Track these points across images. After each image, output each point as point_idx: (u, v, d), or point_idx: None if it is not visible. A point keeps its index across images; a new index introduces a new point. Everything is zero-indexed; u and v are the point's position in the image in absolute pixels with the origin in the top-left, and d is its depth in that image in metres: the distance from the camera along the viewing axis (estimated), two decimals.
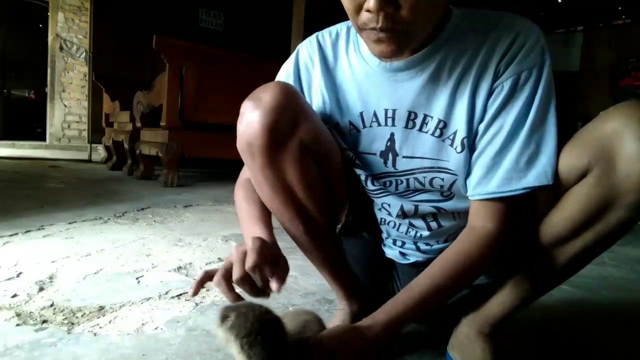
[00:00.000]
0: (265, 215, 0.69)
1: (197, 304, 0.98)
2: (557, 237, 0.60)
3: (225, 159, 3.85)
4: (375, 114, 0.66)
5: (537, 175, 0.57)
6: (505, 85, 0.58)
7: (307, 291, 1.11)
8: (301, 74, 0.73)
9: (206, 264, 1.29)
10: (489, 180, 0.59)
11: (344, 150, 0.70)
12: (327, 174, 0.69)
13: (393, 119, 0.64)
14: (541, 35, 0.59)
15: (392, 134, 0.65)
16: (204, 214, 2.08)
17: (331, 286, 0.86)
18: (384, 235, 0.82)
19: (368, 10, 0.52)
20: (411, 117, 0.63)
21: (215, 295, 1.04)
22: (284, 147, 0.61)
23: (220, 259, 1.35)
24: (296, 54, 0.75)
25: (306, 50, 0.73)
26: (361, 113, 0.67)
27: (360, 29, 0.56)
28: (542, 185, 0.57)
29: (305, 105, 0.64)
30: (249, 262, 0.55)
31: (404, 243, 0.79)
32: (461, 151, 0.61)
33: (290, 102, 0.60)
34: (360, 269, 0.84)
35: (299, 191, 0.66)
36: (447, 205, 0.69)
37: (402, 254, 0.80)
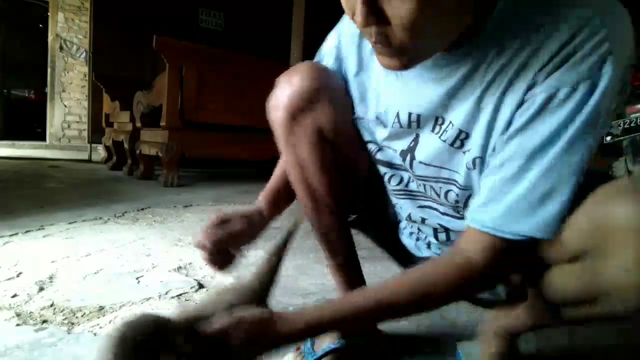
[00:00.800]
0: (275, 187, 0.77)
1: (197, 304, 0.98)
2: (553, 299, 0.53)
3: (225, 159, 3.86)
4: (398, 115, 0.61)
5: (537, 225, 0.47)
6: (537, 99, 0.47)
7: (307, 291, 1.11)
8: (342, 53, 0.69)
9: (206, 264, 1.28)
10: (489, 208, 0.50)
11: (368, 142, 0.68)
12: (344, 163, 0.69)
13: (418, 121, 0.60)
14: (613, 34, 0.45)
15: (417, 135, 0.61)
16: (204, 214, 2.08)
17: (333, 275, 0.82)
18: (402, 225, 0.78)
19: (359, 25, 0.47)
20: (438, 121, 0.58)
21: None
22: (300, 127, 0.64)
23: None
24: (339, 30, 0.70)
25: (348, 30, 0.68)
26: (387, 109, 0.63)
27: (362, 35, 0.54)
28: (536, 237, 0.48)
29: (333, 92, 0.65)
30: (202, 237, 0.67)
31: (418, 239, 0.76)
32: (472, 168, 0.55)
33: (315, 88, 0.63)
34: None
35: (310, 171, 0.67)
36: (457, 225, 0.64)
37: (417, 247, 0.77)
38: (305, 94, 0.63)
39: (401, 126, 0.62)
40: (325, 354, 0.75)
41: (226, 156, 3.43)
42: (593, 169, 0.50)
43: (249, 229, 0.72)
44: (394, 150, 0.65)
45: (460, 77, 0.53)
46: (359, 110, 0.67)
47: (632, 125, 2.42)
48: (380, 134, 0.66)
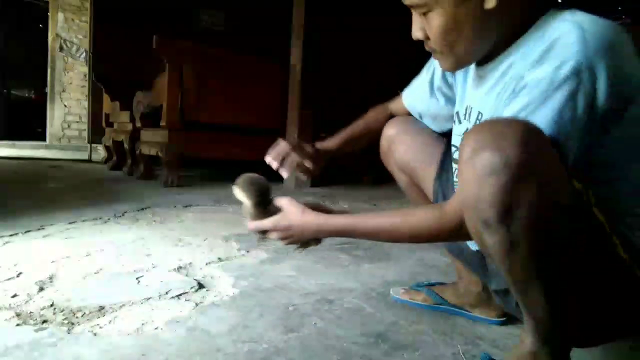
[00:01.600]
0: (349, 132, 1.03)
1: (197, 304, 0.98)
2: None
3: (225, 159, 3.85)
4: (457, 112, 0.83)
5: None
6: (516, 88, 0.62)
7: (307, 291, 1.11)
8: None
9: (206, 264, 1.29)
10: None
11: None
12: (416, 181, 0.99)
13: (469, 115, 0.78)
14: (584, 47, 0.55)
15: (467, 129, 0.75)
16: (204, 214, 2.08)
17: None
18: None
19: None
20: (479, 117, 0.74)
21: (215, 296, 1.04)
22: (387, 161, 1.03)
23: (220, 259, 1.35)
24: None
25: None
26: (459, 108, 0.84)
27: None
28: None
29: (406, 134, 0.97)
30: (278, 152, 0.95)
31: None
32: None
33: (394, 136, 0.99)
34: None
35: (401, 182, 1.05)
36: None
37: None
38: (388, 142, 1.00)
39: (459, 121, 0.83)
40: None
41: (226, 156, 3.43)
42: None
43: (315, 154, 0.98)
44: (456, 147, 0.84)
45: (494, 80, 0.70)
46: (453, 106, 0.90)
47: None
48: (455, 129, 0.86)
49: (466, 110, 0.80)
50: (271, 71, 3.44)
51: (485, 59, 0.71)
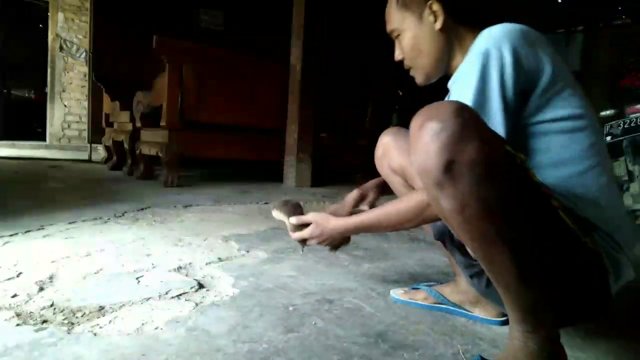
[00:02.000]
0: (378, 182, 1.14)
1: (197, 304, 0.98)
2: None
3: (225, 159, 3.86)
4: None
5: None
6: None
7: (307, 291, 1.11)
8: None
9: (206, 264, 1.29)
10: None
11: None
12: (410, 182, 1.03)
13: None
14: (490, 46, 0.71)
15: None
16: (204, 214, 2.08)
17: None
18: None
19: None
20: None
21: (215, 296, 1.04)
22: (381, 166, 1.09)
23: (220, 259, 1.35)
24: None
25: None
26: None
27: None
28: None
29: (401, 142, 1.02)
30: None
31: None
32: None
33: (389, 142, 1.06)
34: None
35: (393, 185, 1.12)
36: None
37: None
38: (383, 145, 1.07)
39: None
40: None
41: (226, 156, 3.43)
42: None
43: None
44: None
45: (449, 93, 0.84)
46: None
47: (632, 125, 2.42)
48: None
49: None
50: (271, 71, 3.45)
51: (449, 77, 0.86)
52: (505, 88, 0.69)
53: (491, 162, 0.59)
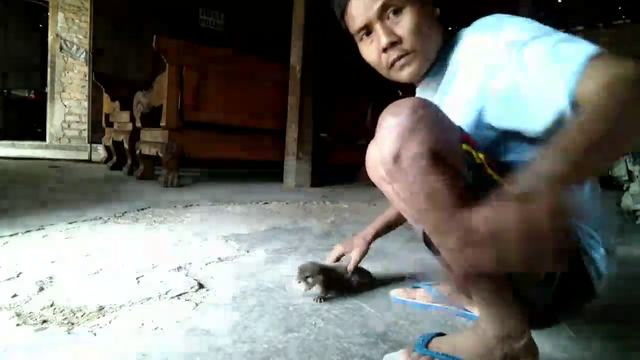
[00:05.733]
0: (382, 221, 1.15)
1: (197, 304, 0.98)
2: None
3: (225, 159, 3.86)
4: None
5: None
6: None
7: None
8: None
9: (206, 264, 1.29)
10: None
11: None
12: None
13: None
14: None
15: None
16: (204, 214, 2.08)
17: None
18: None
19: (384, 50, 0.77)
20: None
21: (215, 296, 1.04)
22: (372, 175, 1.00)
23: (220, 259, 1.35)
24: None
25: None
26: None
27: (388, 70, 0.80)
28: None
29: None
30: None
31: None
32: None
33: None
34: None
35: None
36: None
37: None
38: (369, 157, 0.99)
39: None
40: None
41: (226, 156, 3.44)
42: None
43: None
44: None
45: (434, 87, 0.83)
46: None
47: None
48: None
49: None
50: (271, 71, 3.45)
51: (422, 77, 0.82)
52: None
53: (436, 156, 0.60)
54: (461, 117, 0.72)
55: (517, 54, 0.62)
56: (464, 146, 0.65)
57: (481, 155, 0.67)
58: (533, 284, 0.69)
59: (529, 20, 0.67)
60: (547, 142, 0.51)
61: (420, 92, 0.87)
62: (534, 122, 0.62)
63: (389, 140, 0.61)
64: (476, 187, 0.63)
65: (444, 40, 0.80)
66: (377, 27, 0.76)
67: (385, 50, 0.76)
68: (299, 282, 1.01)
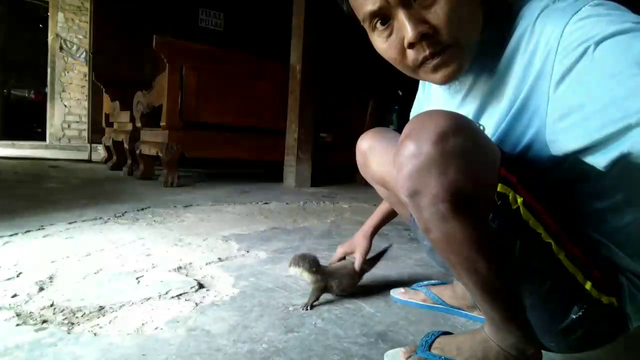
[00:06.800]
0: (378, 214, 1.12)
1: (197, 304, 0.98)
2: None
3: (225, 159, 3.86)
4: None
5: None
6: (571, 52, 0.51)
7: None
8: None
9: (206, 264, 1.29)
10: None
11: None
12: (395, 192, 0.98)
13: None
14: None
15: None
16: (204, 214, 2.08)
17: None
18: None
19: (411, 46, 0.57)
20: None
21: (215, 296, 1.04)
22: (365, 174, 1.01)
23: (220, 259, 1.35)
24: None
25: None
26: None
27: (415, 69, 0.61)
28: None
29: (380, 145, 0.92)
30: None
31: None
32: None
33: (368, 149, 0.96)
34: None
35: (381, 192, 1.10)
36: None
37: None
38: (362, 153, 0.96)
39: None
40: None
41: (226, 156, 3.43)
42: None
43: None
44: None
45: (466, 89, 0.67)
46: None
47: None
48: None
49: None
50: (271, 71, 3.44)
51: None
52: None
53: (459, 202, 0.51)
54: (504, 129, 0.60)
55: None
56: (500, 187, 0.54)
57: (520, 200, 0.55)
58: (557, 333, 0.63)
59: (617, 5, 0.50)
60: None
61: (444, 91, 0.72)
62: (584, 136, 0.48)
63: (407, 172, 0.52)
64: (505, 234, 0.56)
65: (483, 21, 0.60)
66: (401, 14, 0.56)
67: (412, 45, 0.57)
68: (291, 266, 1.02)
